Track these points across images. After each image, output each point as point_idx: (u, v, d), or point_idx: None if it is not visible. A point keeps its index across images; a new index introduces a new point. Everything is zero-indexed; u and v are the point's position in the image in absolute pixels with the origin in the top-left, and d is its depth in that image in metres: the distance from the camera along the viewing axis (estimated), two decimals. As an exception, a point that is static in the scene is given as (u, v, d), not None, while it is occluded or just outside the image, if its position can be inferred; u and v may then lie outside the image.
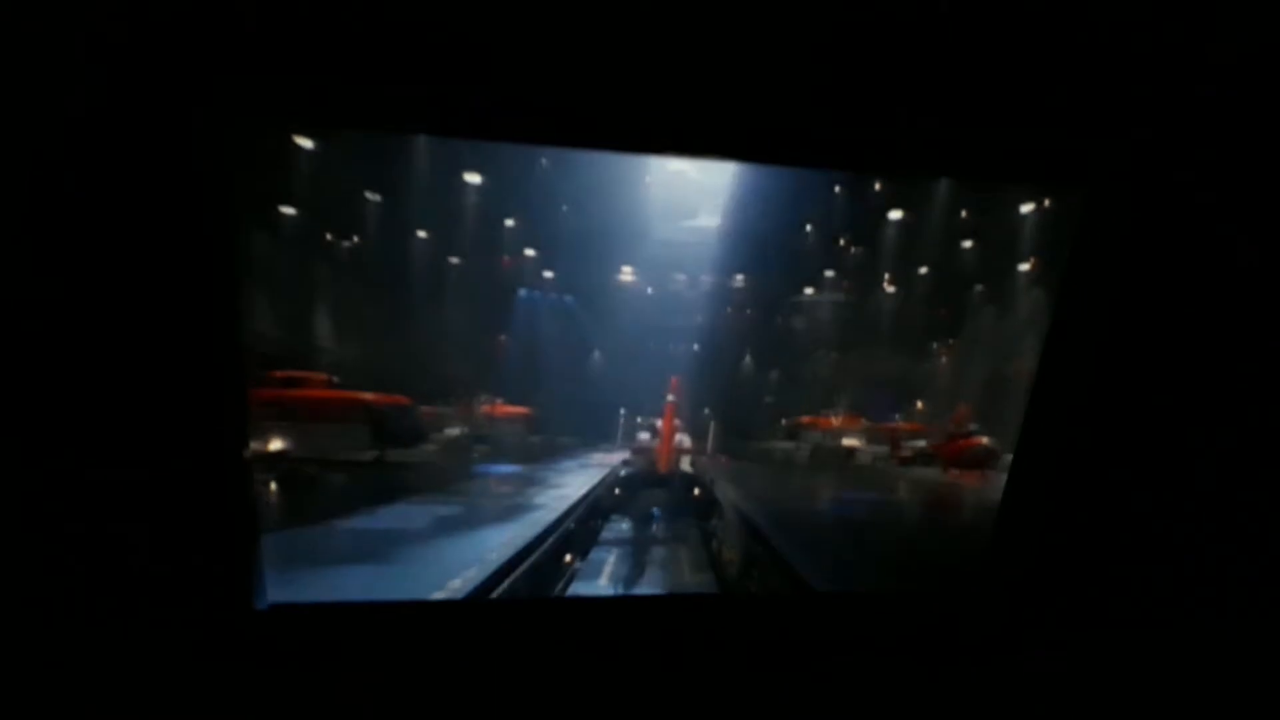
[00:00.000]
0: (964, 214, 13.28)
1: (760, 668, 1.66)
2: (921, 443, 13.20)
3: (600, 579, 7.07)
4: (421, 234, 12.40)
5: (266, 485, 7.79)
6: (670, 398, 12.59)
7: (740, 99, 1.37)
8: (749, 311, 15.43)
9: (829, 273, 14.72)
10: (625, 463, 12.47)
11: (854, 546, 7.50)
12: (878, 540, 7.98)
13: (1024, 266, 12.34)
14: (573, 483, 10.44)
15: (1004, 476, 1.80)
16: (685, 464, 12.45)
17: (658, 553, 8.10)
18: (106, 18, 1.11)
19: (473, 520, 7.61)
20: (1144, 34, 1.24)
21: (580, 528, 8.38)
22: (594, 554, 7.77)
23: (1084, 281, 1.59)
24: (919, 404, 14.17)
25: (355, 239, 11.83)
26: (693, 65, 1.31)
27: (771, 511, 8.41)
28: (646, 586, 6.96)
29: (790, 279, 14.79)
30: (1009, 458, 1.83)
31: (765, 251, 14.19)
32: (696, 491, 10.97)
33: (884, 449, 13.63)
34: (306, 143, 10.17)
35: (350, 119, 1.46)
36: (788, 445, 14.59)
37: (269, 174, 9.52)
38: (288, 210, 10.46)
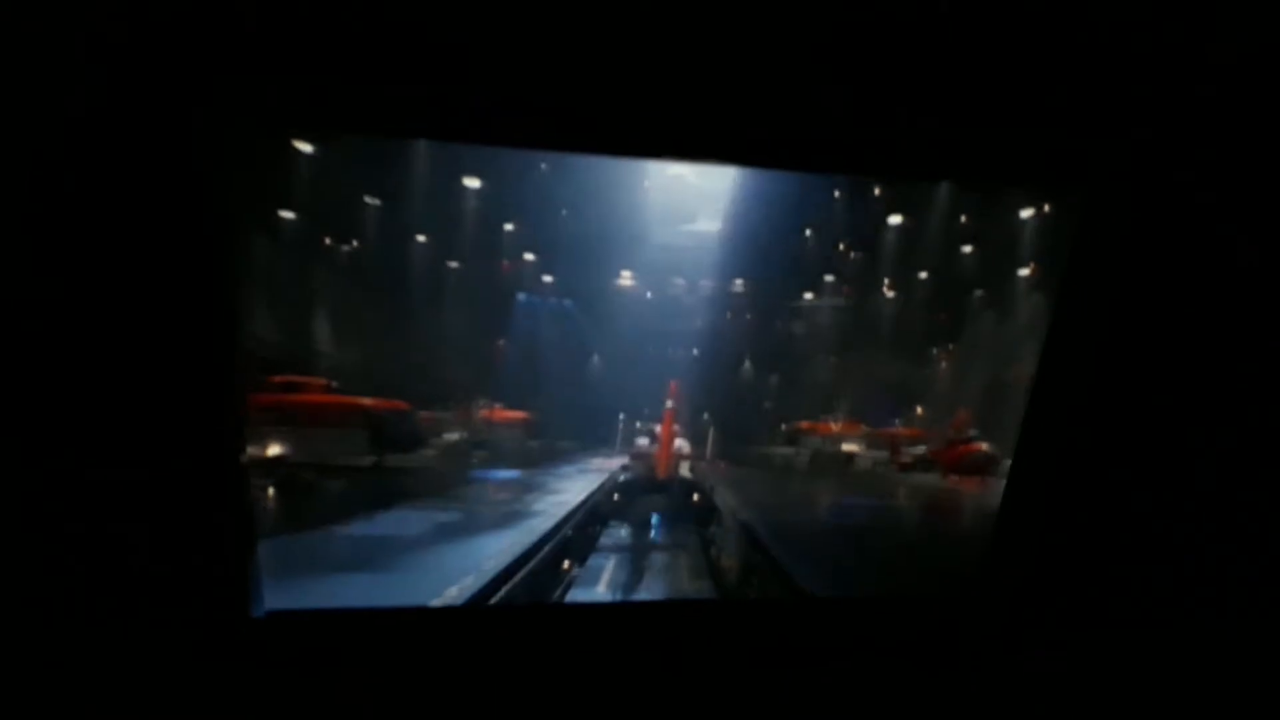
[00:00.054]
0: (964, 219, 13.33)
1: (760, 673, 1.65)
2: (921, 448, 13.19)
3: (598, 586, 7.02)
4: (421, 238, 12.41)
5: (264, 491, 7.73)
6: (669, 403, 12.53)
7: (740, 102, 1.37)
8: (748, 316, 15.44)
9: (828, 277, 14.74)
10: (624, 468, 12.40)
11: (854, 555, 7.46)
12: (878, 547, 7.94)
13: (1024, 272, 12.35)
14: (571, 488, 10.37)
15: (1004, 482, 1.79)
16: (684, 470, 12.37)
17: (656, 559, 8.06)
18: (106, 18, 1.11)
19: (471, 526, 7.56)
20: (1144, 34, 1.24)
21: (579, 534, 8.34)
22: (592, 560, 7.73)
23: (1084, 281, 1.59)
24: (919, 409, 14.15)
25: (355, 243, 11.83)
26: (692, 68, 1.31)
27: (771, 519, 8.36)
28: (644, 593, 6.92)
29: (790, 284, 14.82)
30: (1009, 463, 1.82)
31: (765, 256, 14.20)
32: (695, 498, 10.92)
33: (884, 454, 13.63)
34: (306, 147, 10.20)
35: (349, 121, 1.46)
36: (787, 451, 14.56)
37: (269, 178, 9.52)
38: (287, 214, 10.47)
